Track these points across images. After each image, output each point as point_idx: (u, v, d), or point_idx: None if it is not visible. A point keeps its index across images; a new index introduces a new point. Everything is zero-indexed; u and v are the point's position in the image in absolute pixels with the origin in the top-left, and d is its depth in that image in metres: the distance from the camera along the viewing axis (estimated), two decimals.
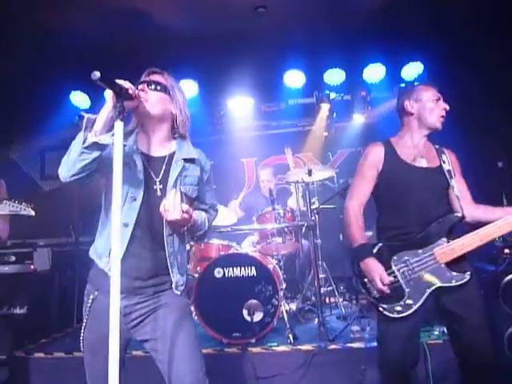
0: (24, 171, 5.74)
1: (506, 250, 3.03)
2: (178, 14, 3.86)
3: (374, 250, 2.03)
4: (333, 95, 4.86)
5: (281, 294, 3.22)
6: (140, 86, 1.65)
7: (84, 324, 1.68)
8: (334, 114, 5.04)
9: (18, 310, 3.90)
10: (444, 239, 1.94)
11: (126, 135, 1.72)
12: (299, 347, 2.98)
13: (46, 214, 4.96)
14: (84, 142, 1.49)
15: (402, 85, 4.77)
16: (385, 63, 4.68)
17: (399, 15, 3.89)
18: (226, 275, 3.22)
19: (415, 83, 4.74)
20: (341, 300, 3.99)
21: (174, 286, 1.70)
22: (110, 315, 1.28)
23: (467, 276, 1.90)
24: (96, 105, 4.90)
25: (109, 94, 1.47)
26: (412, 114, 2.11)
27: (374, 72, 4.72)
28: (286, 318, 3.22)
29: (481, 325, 1.92)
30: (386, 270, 1.94)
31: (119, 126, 1.40)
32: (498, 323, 2.87)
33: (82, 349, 1.69)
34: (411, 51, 4.56)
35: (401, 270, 1.96)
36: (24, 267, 4.06)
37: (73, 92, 4.90)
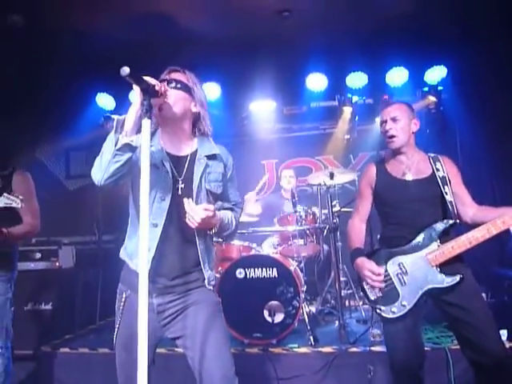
0: (50, 170, 5.87)
1: None
2: (202, 17, 3.91)
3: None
4: (355, 98, 4.84)
5: (302, 295, 3.24)
6: (161, 85, 1.62)
7: (118, 322, 1.71)
8: (356, 118, 5.02)
9: (43, 306, 4.02)
10: (435, 243, 2.03)
11: (150, 136, 1.74)
12: (320, 349, 3.00)
13: (70, 212, 5.14)
14: (116, 144, 1.50)
15: (425, 89, 4.74)
16: (408, 67, 4.65)
17: (422, 18, 3.88)
18: (248, 276, 3.25)
19: (439, 87, 4.72)
20: (361, 303, 3.97)
21: (206, 281, 1.73)
22: (139, 314, 1.30)
23: (457, 278, 1.97)
24: (121, 107, 5.00)
25: (136, 90, 1.48)
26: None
27: (397, 76, 4.69)
28: (306, 320, 3.23)
29: (485, 322, 1.96)
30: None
31: (147, 123, 1.40)
32: None
33: (114, 345, 1.72)
34: (435, 55, 4.52)
35: (395, 273, 2.08)
36: (49, 264, 4.19)
37: (99, 94, 5.00)
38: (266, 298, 3.18)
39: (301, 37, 4.23)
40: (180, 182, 1.71)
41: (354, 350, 2.97)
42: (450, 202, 2.07)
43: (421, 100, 4.78)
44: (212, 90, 4.81)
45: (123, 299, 1.71)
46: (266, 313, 3.17)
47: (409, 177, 2.17)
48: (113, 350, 1.74)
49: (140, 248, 1.34)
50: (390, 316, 2.04)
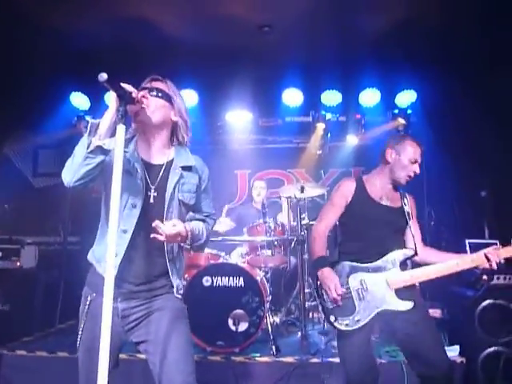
0: (16, 167, 5.71)
1: (484, 277, 3.15)
2: (183, 24, 3.94)
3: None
4: (329, 116, 4.98)
5: (267, 305, 3.29)
6: (141, 93, 1.63)
7: (81, 325, 1.70)
8: (329, 134, 5.15)
9: (0, 307, 3.88)
10: (397, 268, 2.14)
11: (126, 142, 1.73)
12: (281, 359, 3.04)
13: (35, 211, 5.01)
14: (88, 147, 1.51)
15: (396, 111, 4.93)
16: (380, 88, 4.84)
17: (397, 44, 4.06)
18: (214, 284, 3.27)
19: (408, 111, 4.92)
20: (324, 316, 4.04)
21: (174, 290, 1.74)
22: (103, 319, 1.31)
23: (411, 304, 2.08)
24: (95, 107, 4.95)
25: (112, 96, 1.50)
26: (388, 163, 2.28)
27: (370, 96, 4.87)
28: (270, 330, 3.28)
29: (432, 336, 2.11)
30: (342, 286, 2.14)
31: (121, 129, 1.42)
32: (472, 348, 2.98)
33: (77, 348, 1.70)
34: (406, 79, 4.72)
35: (356, 288, 2.16)
36: (10, 263, 4.06)
37: (73, 93, 4.93)
38: (231, 307, 3.21)
39: (279, 52, 4.34)
40: (152, 191, 1.72)
41: (315, 360, 3.03)
42: (412, 236, 2.24)
43: (391, 121, 4.96)
44: (189, 97, 4.83)
45: (88, 302, 1.70)
46: (230, 321, 3.19)
47: (385, 202, 2.28)
48: (72, 353, 1.73)
49: (107, 253, 1.36)
50: (343, 328, 2.11)
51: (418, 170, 2.22)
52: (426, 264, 2.18)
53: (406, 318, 2.09)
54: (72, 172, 1.54)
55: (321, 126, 5.04)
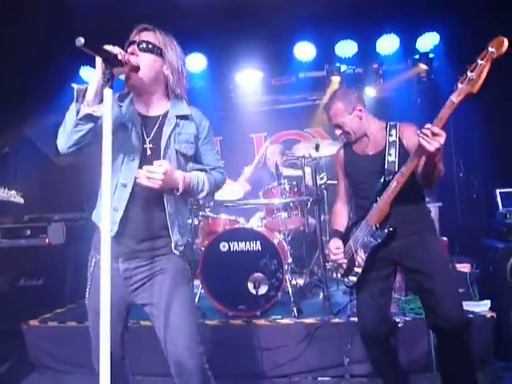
0: (38, 147, 5.82)
1: None
2: None
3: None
4: (344, 68, 4.75)
5: (286, 267, 3.24)
6: (130, 49, 1.59)
7: (88, 287, 1.73)
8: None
9: (34, 282, 4.06)
10: (374, 204, 2.05)
11: (122, 97, 1.71)
12: (302, 320, 3.01)
13: (60, 189, 5.12)
14: (78, 114, 1.48)
15: (416, 56, 4.61)
16: (399, 34, 4.54)
17: None
18: (232, 249, 3.25)
19: (430, 55, 4.59)
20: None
21: (173, 245, 1.71)
22: (101, 279, 1.30)
23: (386, 230, 2.00)
24: None
25: (97, 59, 1.44)
26: None
27: (388, 43, 4.58)
28: (290, 292, 3.25)
29: (444, 288, 1.97)
30: (345, 245, 2.19)
31: (108, 93, 1.36)
32: (504, 301, 2.86)
33: (87, 308, 1.76)
34: (427, 21, 4.39)
35: (352, 244, 2.18)
36: (39, 241, 4.21)
37: (82, 67, 4.90)
38: (250, 271, 3.19)
39: (287, 4, 4.08)
40: (148, 142, 1.68)
41: (337, 320, 2.98)
42: (390, 162, 2.05)
43: (412, 68, 4.66)
44: (197, 61, 4.70)
45: (93, 264, 1.73)
46: (250, 285, 3.18)
47: (369, 152, 2.19)
48: None
49: (102, 211, 1.33)
50: (350, 284, 2.19)
51: (337, 134, 2.24)
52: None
53: (416, 266, 2.04)
54: (64, 139, 1.55)
55: (336, 80, 4.82)
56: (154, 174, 1.51)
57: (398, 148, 2.06)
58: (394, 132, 2.10)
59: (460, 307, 2.00)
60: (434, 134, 1.64)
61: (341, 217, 2.36)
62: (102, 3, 3.85)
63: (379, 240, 2.03)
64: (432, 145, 1.65)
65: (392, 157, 2.05)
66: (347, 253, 2.18)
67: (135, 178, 1.60)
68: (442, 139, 1.64)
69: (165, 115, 1.73)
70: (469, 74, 1.64)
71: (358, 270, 2.12)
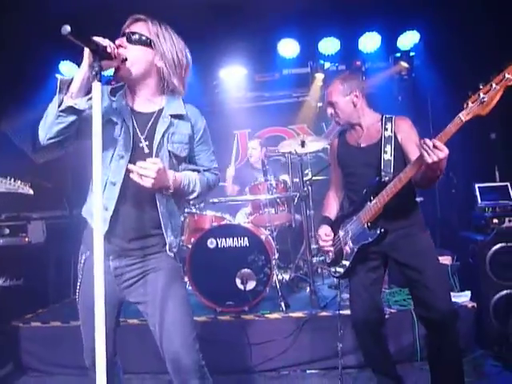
0: (15, 144, 5.66)
1: (495, 220, 3.07)
2: None
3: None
4: (327, 65, 4.79)
5: (273, 263, 3.27)
6: (118, 42, 1.53)
7: (78, 284, 1.69)
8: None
9: (14, 282, 3.95)
10: (369, 202, 2.07)
11: (114, 91, 1.65)
12: (290, 314, 3.05)
13: (39, 186, 4.99)
14: (60, 105, 1.43)
15: (398, 54, 4.70)
16: (380, 32, 4.60)
17: None
18: (219, 245, 3.26)
19: (411, 53, 4.68)
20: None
21: (167, 247, 1.68)
22: (95, 275, 1.26)
23: (378, 231, 2.03)
24: None
25: (85, 50, 1.38)
26: None
27: (370, 41, 4.65)
28: (278, 287, 3.28)
29: (434, 281, 2.03)
30: (334, 236, 2.24)
31: (97, 87, 1.30)
32: (483, 292, 2.95)
33: (78, 308, 1.71)
34: (407, 20, 4.46)
35: (342, 236, 2.22)
36: (18, 240, 4.09)
37: (62, 62, 4.79)
38: (238, 267, 3.21)
39: (272, 1, 4.08)
40: (143, 140, 1.63)
41: (324, 314, 3.03)
42: (386, 160, 2.06)
43: (393, 66, 4.74)
44: None
45: (83, 260, 1.68)
46: (238, 281, 3.20)
47: (362, 143, 2.21)
48: None
49: (94, 209, 1.28)
50: (337, 276, 2.25)
51: (328, 112, 2.26)
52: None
53: (406, 260, 2.08)
54: (45, 130, 1.49)
55: (320, 77, 4.86)
56: (146, 171, 1.46)
57: (393, 144, 2.08)
58: (389, 126, 2.11)
59: (450, 299, 2.08)
60: (435, 147, 1.66)
61: (332, 204, 2.41)
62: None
63: (370, 239, 2.06)
64: (431, 157, 1.66)
65: (388, 154, 2.07)
66: (336, 243, 2.23)
67: (125, 176, 1.56)
68: (441, 154, 1.66)
69: (159, 112, 1.67)
70: (481, 94, 1.64)
71: (346, 262, 2.17)
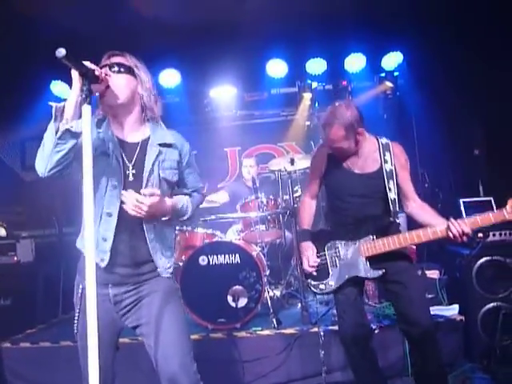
0: (4, 162, 5.64)
1: (480, 234, 3.15)
2: (159, 2, 3.82)
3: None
4: (314, 84, 4.90)
5: (264, 279, 3.29)
6: (102, 70, 1.55)
7: (76, 315, 1.69)
8: (316, 104, 5.08)
9: (1, 302, 3.89)
10: (371, 236, 2.12)
11: (99, 122, 1.69)
12: (282, 331, 3.06)
13: (28, 205, 4.97)
14: (57, 133, 1.45)
15: (382, 74, 4.85)
16: (365, 53, 4.74)
17: (380, 6, 3.94)
18: (211, 263, 3.27)
19: (395, 73, 4.83)
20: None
21: (161, 270, 1.72)
22: (87, 304, 1.28)
23: (380, 272, 2.11)
24: None
25: (74, 75, 1.42)
26: None
27: (355, 62, 4.77)
28: (269, 303, 3.29)
29: (416, 295, 2.10)
30: (318, 252, 2.25)
31: (87, 109, 1.34)
32: (471, 305, 3.00)
33: (76, 338, 1.71)
34: (391, 41, 4.62)
35: (330, 255, 2.23)
36: (7, 259, 4.05)
37: (53, 82, 4.82)
38: (230, 284, 3.21)
39: (260, 23, 4.19)
40: (131, 168, 1.67)
41: (316, 330, 3.04)
42: (393, 200, 2.12)
43: (378, 85, 4.88)
44: (172, 77, 4.73)
45: (80, 290, 1.68)
46: (229, 298, 3.20)
47: (358, 170, 2.20)
48: (75, 342, 1.72)
49: (85, 239, 1.31)
50: (318, 292, 2.25)
51: (325, 135, 2.15)
52: (419, 222, 2.12)
53: (392, 277, 2.13)
54: (45, 161, 1.49)
55: (307, 96, 4.96)
56: (140, 205, 1.53)
57: (395, 181, 2.12)
58: (388, 156, 2.13)
59: (428, 311, 2.15)
60: (463, 233, 1.87)
61: (309, 214, 2.39)
62: (72, 19, 3.82)
63: (369, 275, 2.11)
64: (456, 239, 1.89)
65: (392, 193, 2.11)
66: (321, 260, 2.24)
67: (120, 207, 1.60)
68: (465, 238, 1.89)
69: (145, 141, 1.72)
70: None
71: (332, 283, 2.19)
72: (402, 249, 2.12)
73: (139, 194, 1.58)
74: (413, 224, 2.27)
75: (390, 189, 2.12)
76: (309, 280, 2.27)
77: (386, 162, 2.13)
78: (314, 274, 2.22)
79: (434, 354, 2.08)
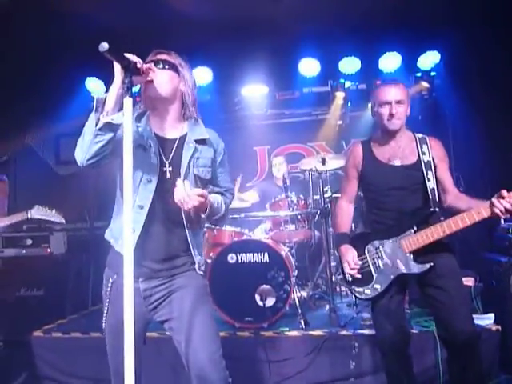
0: (40, 156, 5.82)
1: None
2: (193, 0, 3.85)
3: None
4: (348, 84, 4.82)
5: (293, 280, 3.26)
6: (147, 65, 1.58)
7: (106, 308, 1.70)
8: (349, 103, 5.01)
9: (35, 292, 4.02)
10: (412, 230, 2.04)
11: (139, 117, 1.71)
12: (310, 332, 3.03)
13: (61, 198, 5.11)
14: (97, 124, 1.48)
15: (418, 74, 4.72)
16: (401, 52, 4.61)
17: (418, 3, 3.85)
18: (239, 261, 3.27)
19: (431, 73, 4.70)
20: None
21: (197, 266, 1.73)
22: (124, 300, 1.28)
23: (427, 266, 2.02)
24: None
25: (117, 68, 1.44)
26: (374, 117, 2.20)
27: (390, 61, 4.65)
28: (297, 304, 3.26)
29: (458, 302, 2.01)
30: (359, 256, 2.15)
31: (128, 102, 1.36)
32: (508, 314, 2.89)
33: (104, 332, 1.72)
34: (428, 40, 4.48)
35: (372, 257, 2.15)
36: (40, 250, 4.19)
37: (88, 78, 4.92)
38: (258, 283, 3.20)
39: (293, 21, 4.17)
40: (167, 165, 1.69)
41: (344, 332, 3.00)
42: (432, 190, 2.06)
43: (414, 86, 4.76)
44: (203, 75, 4.75)
45: (110, 284, 1.70)
46: (257, 297, 3.19)
47: (396, 162, 2.15)
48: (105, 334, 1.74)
49: (124, 231, 1.32)
50: (363, 297, 2.15)
51: (392, 110, 2.05)
52: (460, 211, 1.99)
53: (432, 281, 2.05)
54: (84, 151, 1.52)
55: (340, 95, 4.89)
56: (189, 201, 1.52)
57: (433, 172, 2.07)
58: (425, 149, 2.10)
59: (473, 320, 2.05)
60: (506, 210, 1.81)
61: (348, 219, 2.33)
62: (106, 16, 3.89)
63: (416, 271, 2.03)
64: (502, 214, 1.82)
65: (431, 183, 2.06)
66: (363, 263, 2.16)
67: (152, 200, 1.63)
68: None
69: (182, 138, 1.74)
70: None
71: (378, 286, 2.10)
72: (444, 240, 2.05)
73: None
74: None
75: (428, 179, 2.07)
76: (353, 286, 2.18)
77: (423, 153, 2.10)
78: (358, 276, 2.12)
79: (475, 365, 2.00)
